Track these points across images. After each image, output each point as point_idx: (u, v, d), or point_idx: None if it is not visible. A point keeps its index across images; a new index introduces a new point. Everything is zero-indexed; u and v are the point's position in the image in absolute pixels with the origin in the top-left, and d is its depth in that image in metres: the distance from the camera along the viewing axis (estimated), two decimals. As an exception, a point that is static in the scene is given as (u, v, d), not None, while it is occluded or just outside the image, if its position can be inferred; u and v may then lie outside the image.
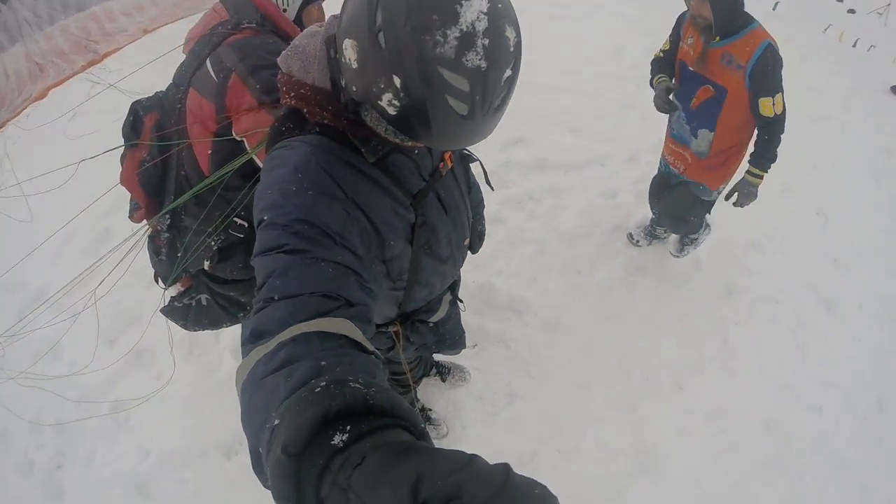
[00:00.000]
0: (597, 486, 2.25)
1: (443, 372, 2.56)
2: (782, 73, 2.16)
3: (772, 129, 2.26)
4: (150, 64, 1.83)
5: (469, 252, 1.73)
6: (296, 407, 0.50)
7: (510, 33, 0.77)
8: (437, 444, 2.45)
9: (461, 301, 1.70)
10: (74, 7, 6.14)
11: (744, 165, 2.46)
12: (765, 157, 2.36)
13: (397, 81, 0.75)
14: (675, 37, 2.47)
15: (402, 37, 0.72)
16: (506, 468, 0.41)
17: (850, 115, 4.43)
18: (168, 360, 2.22)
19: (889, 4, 7.69)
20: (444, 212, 1.20)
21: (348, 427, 0.48)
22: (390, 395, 0.53)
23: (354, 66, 0.80)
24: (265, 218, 0.83)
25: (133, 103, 1.57)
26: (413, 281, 1.23)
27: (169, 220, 1.57)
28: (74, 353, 2.64)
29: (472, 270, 3.00)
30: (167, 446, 2.36)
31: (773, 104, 2.16)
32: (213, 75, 1.40)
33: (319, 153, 0.90)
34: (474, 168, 1.49)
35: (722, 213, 2.99)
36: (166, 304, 1.77)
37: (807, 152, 3.88)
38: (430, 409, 2.48)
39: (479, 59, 0.73)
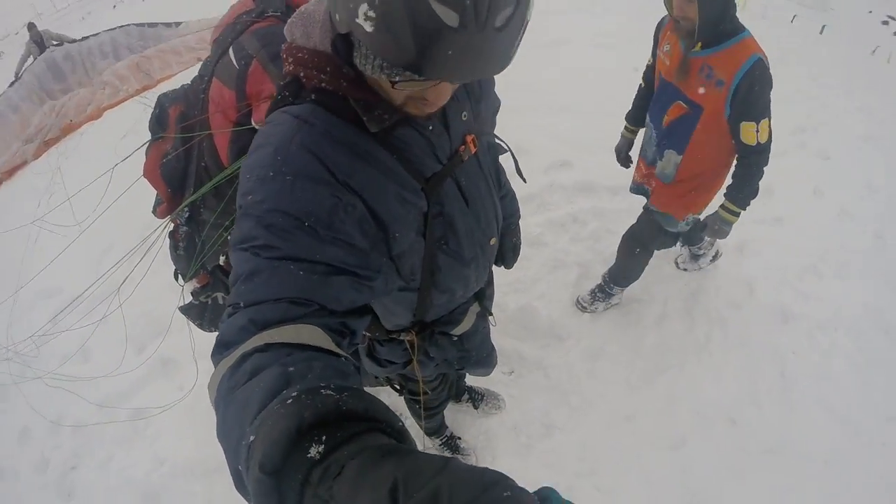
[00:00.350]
0: (640, 530, 2.05)
1: (475, 398, 2.41)
2: (771, 95, 1.84)
3: (753, 161, 1.93)
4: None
5: (504, 267, 1.61)
6: (269, 421, 0.49)
7: None
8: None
9: (491, 314, 1.52)
10: (136, 35, 6.48)
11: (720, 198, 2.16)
12: (743, 193, 2.02)
13: None
14: (656, 47, 2.19)
15: None
16: (482, 472, 0.41)
17: (902, 135, 4.23)
18: (192, 371, 2.18)
19: (935, 24, 7.53)
20: (464, 203, 1.04)
21: (324, 437, 0.46)
22: (364, 398, 0.51)
23: None
24: (242, 205, 0.75)
25: (159, 96, 1.57)
26: (428, 283, 1.09)
27: (188, 214, 1.55)
28: (102, 358, 2.72)
29: (513, 293, 2.88)
30: (181, 457, 2.32)
31: (758, 131, 1.83)
32: (235, 62, 1.37)
33: (305, 130, 0.79)
34: (504, 162, 1.35)
35: (776, 237, 2.83)
36: (185, 302, 1.76)
37: (862, 174, 3.71)
38: (460, 438, 2.33)
39: None
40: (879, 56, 5.65)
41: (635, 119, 2.44)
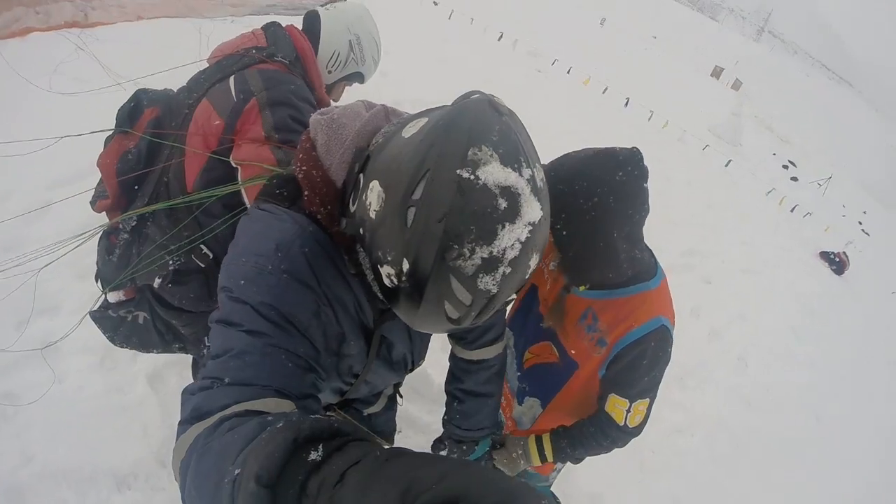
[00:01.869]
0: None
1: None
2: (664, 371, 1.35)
3: (608, 433, 1.38)
4: (143, 50, 1.74)
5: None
6: (261, 443, 0.49)
7: (533, 261, 0.72)
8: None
9: (401, 396, 1.59)
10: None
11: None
12: (573, 449, 1.46)
13: (405, 265, 0.69)
14: None
15: (432, 230, 0.65)
16: (506, 476, 0.40)
17: (779, 273, 4.86)
18: (76, 363, 2.04)
19: (830, 177, 8.73)
20: (408, 339, 1.14)
21: (320, 446, 0.47)
22: (350, 423, 0.53)
23: (372, 215, 0.73)
24: (233, 289, 0.79)
25: (138, 91, 1.50)
26: (361, 381, 1.15)
27: (134, 223, 1.45)
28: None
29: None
30: (54, 458, 2.05)
31: (629, 411, 1.34)
32: (234, 94, 1.37)
33: (306, 237, 0.84)
34: None
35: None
36: (97, 308, 1.60)
37: (736, 302, 4.22)
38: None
39: (493, 285, 0.68)
40: (773, 198, 6.36)
41: None
